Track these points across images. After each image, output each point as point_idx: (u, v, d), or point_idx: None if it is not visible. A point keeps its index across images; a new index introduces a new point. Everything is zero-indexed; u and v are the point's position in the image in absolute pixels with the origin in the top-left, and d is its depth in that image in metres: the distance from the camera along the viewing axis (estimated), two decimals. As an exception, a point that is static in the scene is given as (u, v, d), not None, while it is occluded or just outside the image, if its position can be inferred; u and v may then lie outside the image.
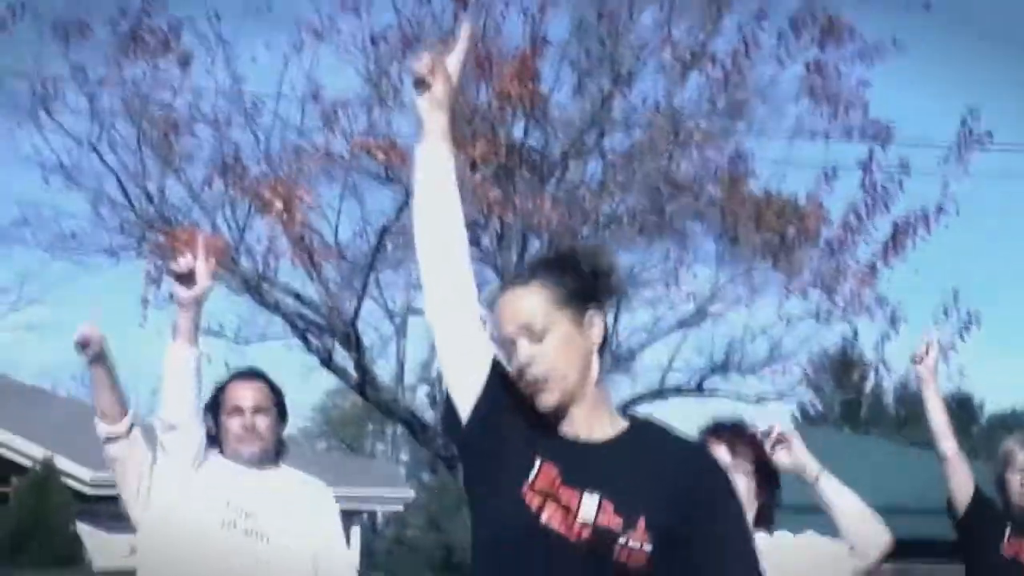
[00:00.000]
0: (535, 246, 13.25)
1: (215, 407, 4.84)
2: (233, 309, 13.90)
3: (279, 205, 12.92)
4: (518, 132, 13.50)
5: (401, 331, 14.13)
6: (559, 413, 3.15)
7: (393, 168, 13.20)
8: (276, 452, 4.86)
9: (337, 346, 13.92)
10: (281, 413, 4.90)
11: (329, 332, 13.85)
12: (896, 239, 13.93)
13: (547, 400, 3.15)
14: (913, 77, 15.91)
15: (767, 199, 13.96)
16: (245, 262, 13.66)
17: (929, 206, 13.89)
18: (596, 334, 3.21)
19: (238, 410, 4.79)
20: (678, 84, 13.75)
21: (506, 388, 3.16)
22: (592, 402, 3.19)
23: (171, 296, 5.03)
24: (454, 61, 3.26)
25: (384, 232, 13.55)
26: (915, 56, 14.25)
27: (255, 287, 13.56)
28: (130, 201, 13.81)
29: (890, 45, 14.03)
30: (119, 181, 13.73)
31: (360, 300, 13.69)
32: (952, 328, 14.02)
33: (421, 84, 3.19)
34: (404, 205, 13.15)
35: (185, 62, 13.69)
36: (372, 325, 14.14)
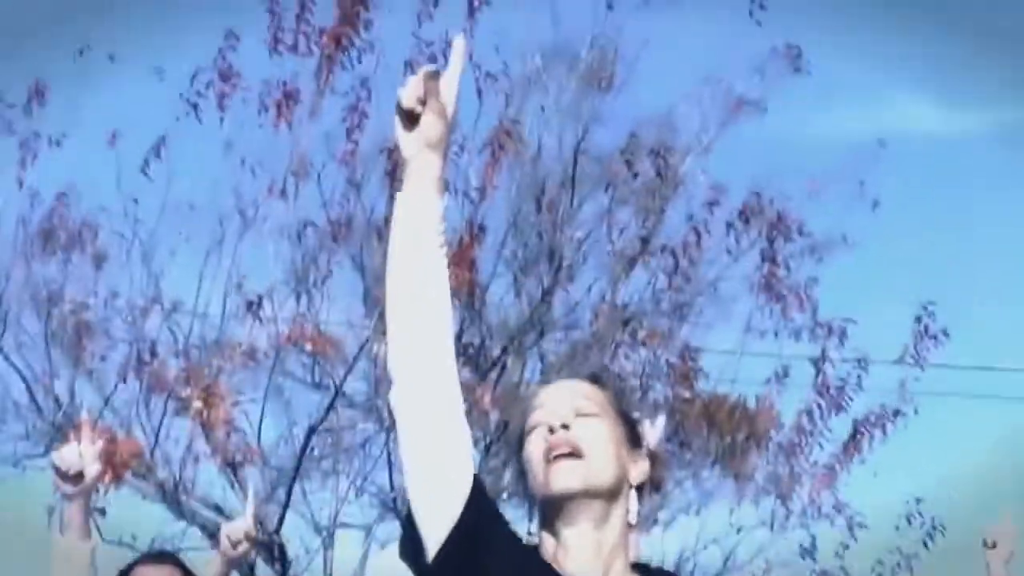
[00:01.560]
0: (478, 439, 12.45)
1: None
2: (147, 519, 12.87)
3: (198, 404, 12.10)
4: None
5: (329, 544, 13.11)
6: (564, 539, 2.68)
7: (321, 362, 12.44)
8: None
9: (259, 561, 12.90)
10: None
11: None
12: (854, 441, 13.28)
13: (567, 479, 2.68)
14: (865, 274, 15.33)
15: (718, 400, 13.27)
16: (160, 469, 12.70)
17: (887, 406, 13.35)
18: (640, 472, 2.80)
19: None
20: (622, 278, 13.16)
21: (493, 514, 2.61)
22: (613, 541, 2.71)
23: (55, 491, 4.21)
24: (448, 87, 2.69)
25: (311, 434, 12.66)
26: (866, 252, 13.62)
27: (171, 495, 12.59)
28: (37, 405, 12.92)
29: (840, 241, 13.62)
30: (25, 383, 12.87)
31: (284, 510, 12.72)
32: (915, 536, 13.47)
33: (408, 116, 2.64)
34: (331, 406, 12.45)
35: (100, 259, 13.01)
36: (297, 537, 13.14)
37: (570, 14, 13.07)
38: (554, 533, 2.72)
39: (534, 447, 2.75)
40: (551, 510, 2.73)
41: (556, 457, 2.70)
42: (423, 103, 2.66)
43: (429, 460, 2.59)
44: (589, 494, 2.69)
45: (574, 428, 2.72)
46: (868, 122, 20.78)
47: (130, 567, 4.43)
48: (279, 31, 12.32)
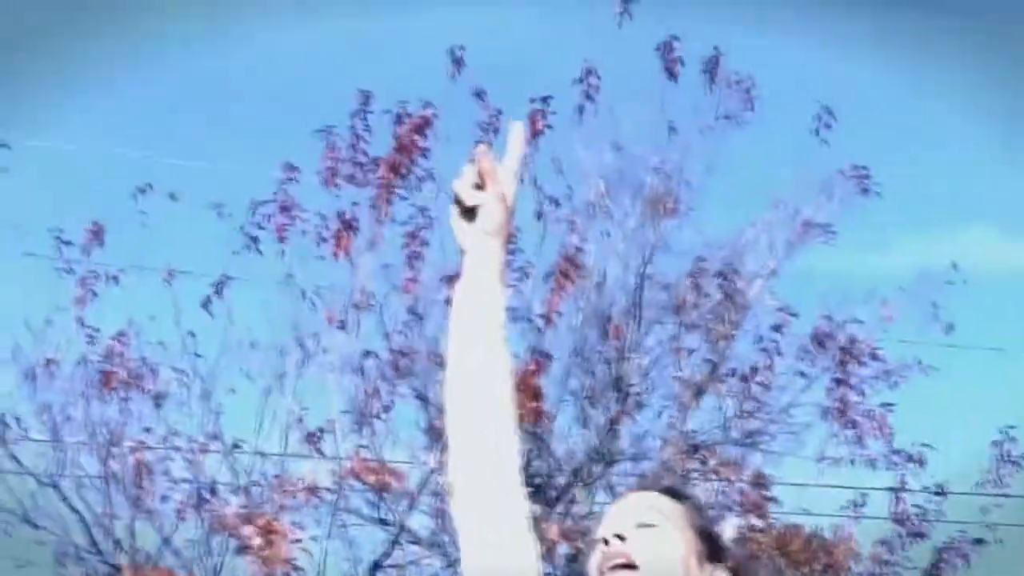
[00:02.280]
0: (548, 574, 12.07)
1: None
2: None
3: (258, 542, 11.81)
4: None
5: None
6: None
7: (384, 497, 12.15)
8: None
9: None
10: None
11: None
12: (935, 570, 12.83)
13: None
14: (941, 399, 14.94)
15: (792, 530, 12.87)
16: (223, 610, 12.40)
17: (968, 534, 12.92)
18: None
19: None
20: (691, 406, 12.83)
21: None
22: None
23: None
24: (507, 171, 2.51)
25: (375, 571, 12.34)
26: (941, 377, 13.21)
27: (234, 639, 12.28)
28: (97, 547, 12.65)
29: (914, 365, 13.23)
30: (85, 525, 12.61)
31: (349, 653, 12.40)
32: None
33: (467, 206, 2.47)
34: (395, 541, 12.18)
35: (159, 398, 12.81)
36: None
37: (633, 138, 12.87)
38: None
39: (592, 561, 2.54)
40: None
41: (611, 568, 2.48)
42: (480, 188, 2.48)
43: (492, 557, 2.39)
44: None
45: (631, 539, 2.50)
46: (940, 244, 20.44)
47: None
48: (336, 162, 12.22)
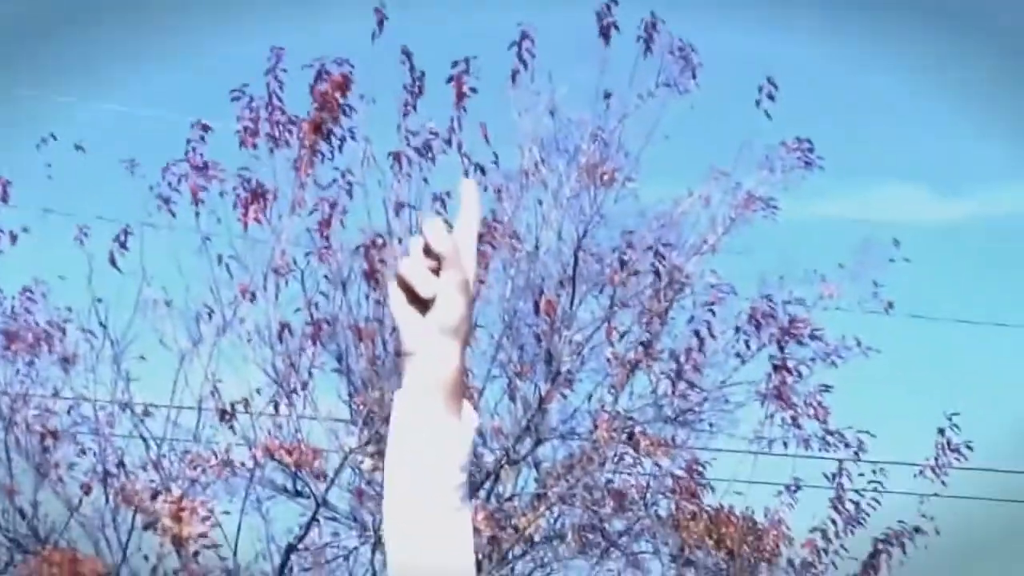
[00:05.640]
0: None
1: None
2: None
3: (168, 519, 11.29)
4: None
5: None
6: None
7: (301, 476, 11.65)
8: None
9: None
10: None
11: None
12: (873, 561, 12.44)
13: None
14: (882, 381, 14.60)
15: (724, 514, 12.42)
16: (130, 588, 11.87)
17: (905, 526, 12.55)
18: None
19: None
20: (624, 385, 12.36)
21: None
22: None
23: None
24: (466, 246, 1.85)
25: (290, 551, 11.84)
26: (882, 359, 12.81)
27: (139, 618, 11.76)
28: (-1, 518, 12.12)
29: (855, 346, 12.81)
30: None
31: (262, 632, 11.90)
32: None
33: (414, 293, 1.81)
34: (313, 518, 11.68)
35: (67, 362, 12.24)
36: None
37: (568, 104, 12.34)
38: None
39: None
40: None
41: None
42: (435, 272, 1.80)
43: None
44: None
45: None
46: (879, 213, 20.18)
47: None
48: (253, 121, 11.67)
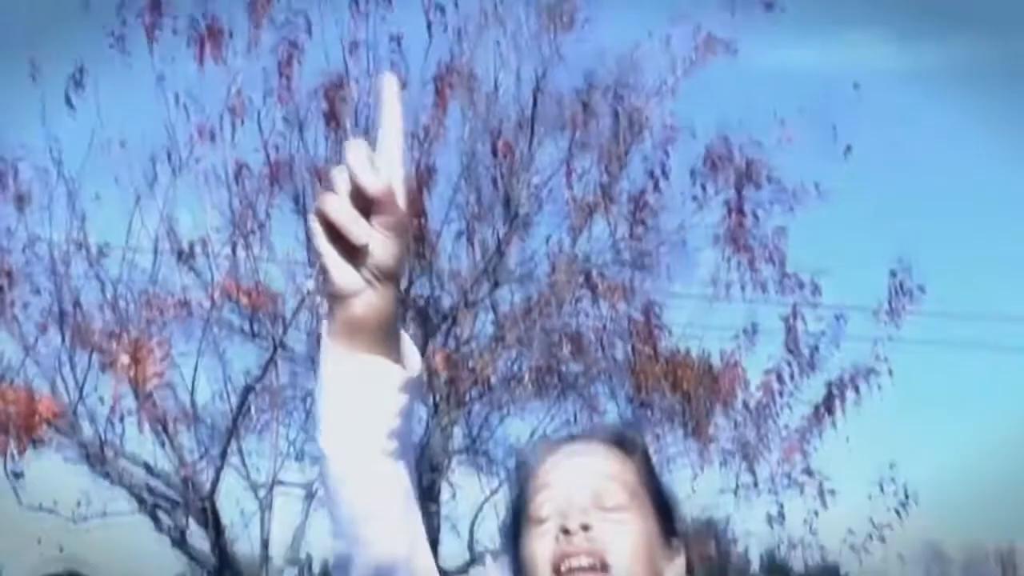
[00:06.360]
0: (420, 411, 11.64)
1: None
2: (70, 482, 12.00)
3: (125, 360, 11.24)
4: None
5: (266, 506, 12.30)
6: None
7: (259, 318, 11.61)
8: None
9: (192, 524, 12.06)
10: None
11: (183, 508, 11.95)
12: (827, 403, 12.53)
13: None
14: (838, 226, 14.64)
15: (680, 357, 12.48)
16: (86, 427, 11.84)
17: (860, 365, 12.62)
18: (677, 571, 2.17)
19: None
20: (582, 228, 12.34)
21: None
22: None
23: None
24: (396, 173, 1.68)
25: (248, 392, 11.83)
26: (839, 204, 12.82)
27: (97, 456, 11.73)
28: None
29: (812, 190, 12.80)
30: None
31: (219, 471, 11.89)
32: (888, 504, 12.81)
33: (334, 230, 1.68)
34: (270, 362, 11.65)
35: (21, 200, 12.10)
36: (233, 499, 12.33)
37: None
38: None
39: (541, 548, 2.08)
40: None
41: (572, 570, 2.03)
42: (365, 212, 1.66)
43: None
44: None
45: (596, 529, 2.05)
46: (840, 60, 20.11)
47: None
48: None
